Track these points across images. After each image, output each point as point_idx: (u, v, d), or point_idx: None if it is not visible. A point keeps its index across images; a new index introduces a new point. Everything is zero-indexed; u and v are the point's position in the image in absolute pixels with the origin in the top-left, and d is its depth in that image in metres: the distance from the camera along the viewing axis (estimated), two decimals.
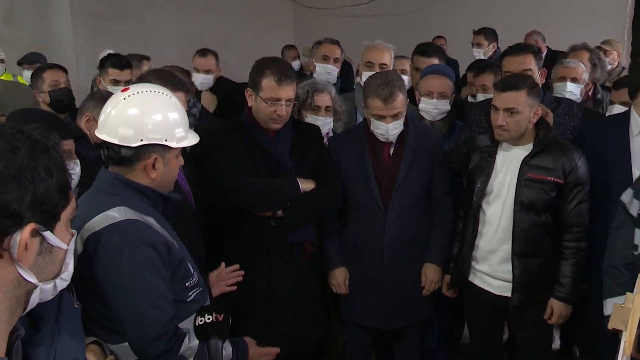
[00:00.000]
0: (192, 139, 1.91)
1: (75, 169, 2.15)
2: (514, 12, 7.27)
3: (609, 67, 4.79)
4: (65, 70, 3.88)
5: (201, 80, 4.53)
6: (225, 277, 2.28)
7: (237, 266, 2.32)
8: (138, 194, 1.83)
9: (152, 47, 6.82)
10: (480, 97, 3.66)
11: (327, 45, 4.07)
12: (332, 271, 2.94)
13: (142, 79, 2.54)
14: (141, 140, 1.78)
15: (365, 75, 3.66)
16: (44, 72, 3.75)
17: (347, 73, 4.94)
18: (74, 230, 1.14)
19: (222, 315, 1.65)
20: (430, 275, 2.91)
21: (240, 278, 2.31)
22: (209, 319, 1.63)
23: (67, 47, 6.71)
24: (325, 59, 4.00)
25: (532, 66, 2.99)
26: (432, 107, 3.22)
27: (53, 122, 2.18)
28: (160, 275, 1.76)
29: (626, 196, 2.31)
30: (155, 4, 7.44)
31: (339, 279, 2.93)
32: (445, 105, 3.22)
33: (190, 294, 1.87)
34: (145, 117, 1.80)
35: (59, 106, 3.64)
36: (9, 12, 7.13)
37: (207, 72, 4.58)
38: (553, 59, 3.82)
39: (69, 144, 2.13)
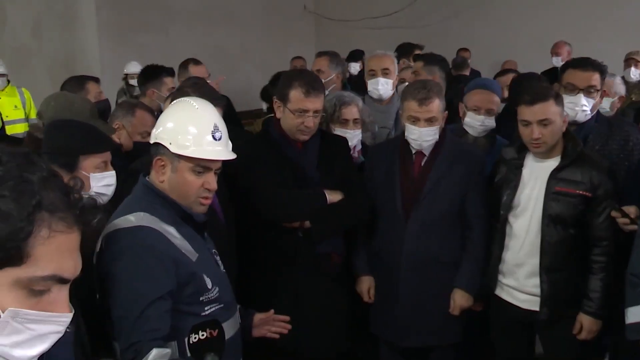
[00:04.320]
0: (199, 152, 1.87)
1: (111, 181, 2.18)
2: (536, 24, 7.27)
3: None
4: (99, 82, 3.97)
5: None
6: (272, 323, 2.23)
7: (286, 317, 2.25)
8: (162, 202, 1.89)
9: (175, 58, 6.91)
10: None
11: (315, 60, 4.05)
12: (358, 278, 2.95)
13: (180, 91, 2.58)
14: (155, 139, 1.93)
15: (370, 84, 3.70)
16: (87, 84, 3.81)
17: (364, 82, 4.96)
18: None
19: (217, 331, 1.66)
20: (459, 300, 2.83)
21: (286, 331, 2.24)
22: (203, 335, 1.64)
23: (92, 59, 6.83)
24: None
25: (597, 85, 2.91)
26: (479, 124, 3.17)
27: (92, 133, 2.21)
28: (158, 285, 1.76)
29: None
30: (178, 16, 7.55)
31: (363, 287, 2.93)
32: (491, 122, 3.17)
33: (206, 309, 1.88)
34: (163, 121, 1.96)
35: (103, 118, 3.72)
36: (37, 26, 7.27)
37: None
38: None
39: (106, 156, 2.16)
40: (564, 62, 5.80)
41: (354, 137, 3.12)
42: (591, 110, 2.93)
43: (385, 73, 3.72)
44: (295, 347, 2.64)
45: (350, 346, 2.98)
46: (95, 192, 2.11)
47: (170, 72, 4.06)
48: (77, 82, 3.80)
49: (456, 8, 7.86)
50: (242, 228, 2.72)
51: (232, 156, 1.98)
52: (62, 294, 0.96)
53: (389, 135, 3.65)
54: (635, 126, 3.25)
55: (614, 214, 2.52)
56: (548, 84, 2.81)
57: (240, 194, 2.67)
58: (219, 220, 2.54)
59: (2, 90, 5.91)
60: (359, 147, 3.22)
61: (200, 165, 1.89)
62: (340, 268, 2.84)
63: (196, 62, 4.46)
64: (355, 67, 5.78)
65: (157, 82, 3.94)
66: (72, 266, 0.96)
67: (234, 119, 4.30)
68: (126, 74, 6.40)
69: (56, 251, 0.93)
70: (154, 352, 1.69)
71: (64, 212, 0.94)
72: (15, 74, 6.38)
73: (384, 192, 2.86)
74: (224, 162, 1.99)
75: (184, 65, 4.45)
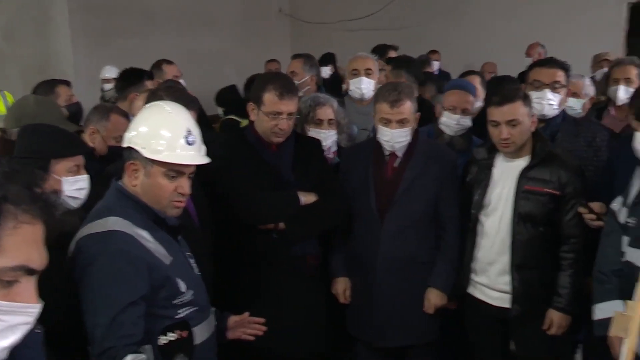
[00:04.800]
0: (172, 157, 1.88)
1: (84, 185, 2.17)
2: (510, 26, 7.38)
3: None
4: (70, 85, 3.95)
5: None
6: (247, 325, 2.24)
7: (261, 319, 2.26)
8: (135, 206, 1.89)
9: (151, 62, 6.87)
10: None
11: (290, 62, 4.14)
12: (334, 280, 2.97)
13: (154, 94, 2.58)
14: (128, 143, 1.93)
15: (353, 83, 3.74)
16: (57, 87, 3.79)
17: (337, 85, 5.00)
18: None
19: (186, 332, 1.68)
20: (433, 300, 2.87)
21: (261, 333, 2.25)
22: (172, 337, 1.67)
23: (66, 64, 6.75)
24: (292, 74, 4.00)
25: (562, 80, 3.05)
26: (455, 123, 3.21)
27: (65, 137, 2.21)
28: (131, 290, 1.77)
29: (616, 204, 2.38)
30: (154, 20, 7.51)
31: (339, 288, 2.96)
32: (467, 122, 3.23)
33: (180, 312, 1.88)
34: (136, 125, 1.95)
35: (74, 121, 3.70)
36: (9, 29, 7.17)
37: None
38: None
39: (78, 160, 2.15)
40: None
41: (328, 137, 3.15)
42: (558, 105, 3.03)
43: (368, 73, 3.78)
44: (272, 348, 2.65)
45: (328, 347, 2.99)
46: (68, 196, 2.11)
47: (150, 75, 4.04)
48: (47, 86, 3.78)
49: (432, 11, 7.94)
50: (218, 231, 2.73)
51: (206, 160, 1.99)
52: (30, 285, 1.01)
53: (369, 137, 3.68)
54: (600, 124, 3.34)
55: (580, 210, 2.58)
56: (517, 86, 2.87)
57: (216, 196, 2.68)
58: (193, 224, 2.54)
59: None
60: (334, 148, 3.24)
61: (174, 170, 1.89)
62: (316, 270, 2.86)
63: (168, 62, 4.46)
64: (326, 71, 5.80)
65: (139, 86, 3.93)
66: (38, 257, 1.01)
67: (204, 121, 4.30)
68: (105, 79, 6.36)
69: (23, 242, 0.97)
70: (129, 357, 1.69)
71: (28, 205, 0.98)
72: None
73: (359, 193, 2.89)
74: (199, 165, 2.01)
75: (157, 65, 4.44)
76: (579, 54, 5.90)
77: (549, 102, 2.96)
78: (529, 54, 6.47)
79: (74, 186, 2.13)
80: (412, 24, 7.86)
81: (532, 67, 3.23)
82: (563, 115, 3.11)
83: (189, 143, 1.91)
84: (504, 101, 2.60)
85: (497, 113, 2.62)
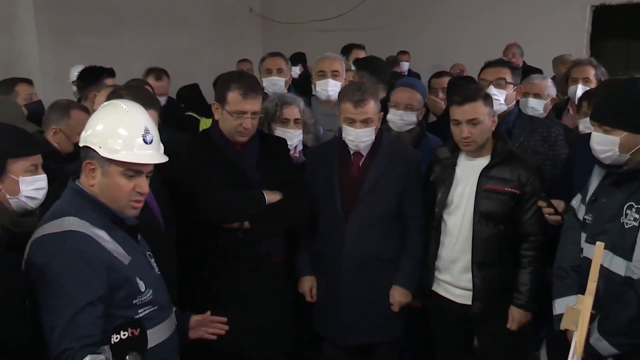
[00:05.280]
0: (130, 156, 1.87)
1: (42, 185, 2.14)
2: (477, 28, 7.47)
3: None
4: (32, 84, 3.87)
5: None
6: (209, 324, 2.24)
7: (223, 319, 2.27)
8: (92, 206, 1.88)
9: (120, 61, 6.78)
10: None
11: (269, 59, 4.18)
12: (300, 279, 2.99)
13: (115, 93, 2.55)
14: (85, 142, 1.91)
15: (319, 85, 3.77)
16: (16, 86, 3.73)
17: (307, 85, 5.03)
18: None
19: (138, 330, 1.68)
20: (398, 297, 2.90)
21: (223, 332, 2.26)
22: (124, 335, 1.66)
23: (32, 62, 6.63)
24: (269, 71, 4.09)
25: (507, 77, 3.17)
26: (398, 118, 3.28)
27: (22, 136, 2.17)
28: (88, 290, 1.76)
29: (575, 201, 2.44)
30: (122, 18, 7.42)
31: (305, 287, 2.98)
32: (411, 117, 3.28)
33: (140, 311, 1.88)
34: (92, 123, 1.94)
35: (36, 119, 3.64)
36: None
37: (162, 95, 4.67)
38: (526, 75, 3.95)
39: (36, 159, 2.13)
40: None
41: (294, 136, 3.16)
42: (506, 101, 3.14)
43: (335, 75, 3.79)
44: (238, 348, 2.66)
45: (295, 346, 3.00)
46: (26, 196, 2.09)
47: (111, 72, 3.99)
48: (6, 85, 3.72)
49: (402, 12, 7.99)
50: (183, 230, 2.72)
51: (164, 159, 1.98)
52: None
53: (334, 137, 3.71)
54: (555, 120, 3.43)
55: (540, 203, 2.64)
56: (479, 86, 2.94)
57: (180, 195, 2.68)
58: (157, 223, 2.53)
59: None
60: (300, 147, 3.26)
61: (132, 169, 1.88)
62: (281, 268, 2.87)
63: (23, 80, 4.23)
64: (295, 71, 5.82)
65: (98, 85, 3.88)
66: None
67: (205, 108, 4.30)
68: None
69: None
70: (87, 358, 1.69)
71: None
72: None
73: (324, 192, 2.91)
74: (159, 164, 2.00)
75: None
76: (544, 55, 6.03)
77: (494, 97, 3.01)
78: (505, 54, 6.52)
79: (32, 186, 2.10)
80: (382, 24, 7.90)
81: (482, 69, 3.34)
82: (518, 112, 3.21)
83: (146, 142, 1.90)
84: (465, 100, 2.65)
85: (458, 112, 2.67)
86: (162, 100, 4.64)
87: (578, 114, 3.19)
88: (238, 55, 7.46)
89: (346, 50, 5.26)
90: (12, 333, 1.71)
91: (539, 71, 4.85)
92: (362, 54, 5.13)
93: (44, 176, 2.14)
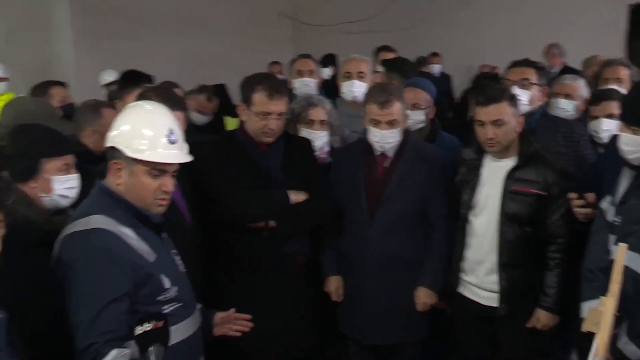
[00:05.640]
0: (155, 156, 1.91)
1: (74, 184, 2.20)
2: (507, 28, 7.39)
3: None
4: (66, 86, 3.98)
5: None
6: (233, 321, 2.27)
7: (248, 316, 2.30)
8: (119, 204, 1.93)
9: (151, 65, 6.88)
10: None
11: (299, 61, 4.23)
12: (326, 279, 3.01)
13: (143, 94, 2.61)
14: (111, 142, 1.96)
15: (345, 86, 3.78)
16: (50, 89, 3.83)
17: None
18: None
19: (162, 322, 1.71)
20: (423, 298, 2.90)
21: (247, 329, 2.29)
22: (148, 327, 1.69)
23: (68, 65, 6.82)
24: (299, 73, 4.13)
25: (532, 78, 3.12)
26: None
27: (54, 137, 2.24)
28: (113, 287, 1.80)
29: (605, 203, 2.40)
30: (154, 22, 7.57)
31: (332, 286, 2.99)
32: (418, 116, 3.27)
33: (164, 308, 1.92)
34: (118, 124, 1.98)
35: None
36: (11, 31, 7.24)
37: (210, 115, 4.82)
38: None
39: (68, 159, 2.19)
40: (549, 64, 5.96)
41: (319, 137, 3.18)
42: (529, 102, 3.09)
43: (361, 76, 3.80)
44: (260, 346, 2.68)
45: (318, 345, 3.02)
46: (59, 195, 2.15)
47: (148, 79, 4.08)
48: (41, 88, 3.82)
49: (431, 12, 7.97)
50: (208, 229, 2.76)
51: (188, 159, 2.02)
52: None
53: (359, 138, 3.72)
54: (578, 120, 3.37)
55: (571, 195, 2.58)
56: (503, 87, 2.91)
57: (205, 195, 2.72)
58: (184, 221, 2.57)
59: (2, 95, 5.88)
60: (327, 148, 3.27)
61: (156, 169, 1.92)
62: (305, 268, 2.88)
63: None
64: (327, 72, 5.84)
65: (136, 89, 3.98)
66: None
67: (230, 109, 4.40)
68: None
69: None
70: (114, 352, 1.73)
71: None
72: None
73: (349, 193, 2.92)
74: (189, 164, 2.05)
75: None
76: (579, 55, 5.92)
77: (517, 97, 2.95)
78: (544, 54, 6.43)
79: (65, 185, 2.16)
80: (411, 25, 7.89)
81: (507, 68, 3.32)
82: (542, 112, 3.16)
83: (171, 142, 1.94)
84: (489, 101, 2.63)
85: (483, 113, 2.65)
86: (206, 119, 4.73)
87: None
88: (268, 58, 7.53)
89: (377, 53, 5.27)
90: (38, 325, 1.77)
91: (580, 72, 4.75)
92: (390, 56, 5.12)
93: (75, 175, 2.20)
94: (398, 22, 7.98)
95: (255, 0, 8.73)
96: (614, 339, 2.16)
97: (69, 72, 6.67)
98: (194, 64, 7.41)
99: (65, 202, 2.19)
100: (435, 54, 7.61)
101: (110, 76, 6.37)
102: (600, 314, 1.59)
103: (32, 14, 7.05)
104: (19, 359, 1.39)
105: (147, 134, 1.92)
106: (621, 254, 1.70)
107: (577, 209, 2.59)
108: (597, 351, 1.54)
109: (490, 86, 3.07)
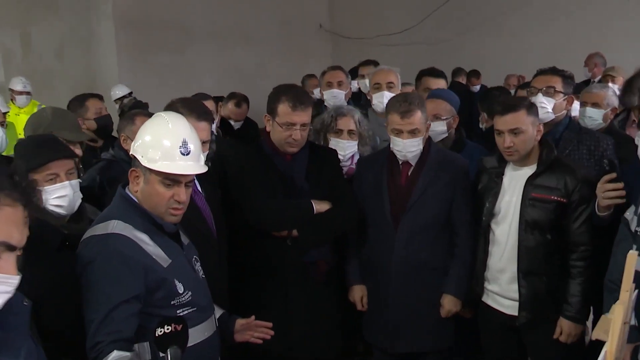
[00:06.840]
0: (167, 166, 1.96)
1: (63, 192, 2.16)
2: (546, 38, 7.30)
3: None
4: (102, 99, 4.15)
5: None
6: (254, 328, 2.30)
7: (269, 324, 2.32)
8: (136, 211, 2.01)
9: (192, 78, 7.12)
10: None
11: (329, 73, 4.31)
12: (351, 287, 3.04)
13: (171, 105, 2.67)
14: (133, 151, 2.05)
15: (375, 97, 3.82)
16: (87, 101, 3.98)
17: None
18: None
19: (181, 326, 1.78)
20: (448, 305, 2.91)
21: (269, 337, 2.32)
22: (168, 329, 1.76)
23: (112, 79, 7.07)
24: (330, 84, 4.20)
25: (557, 86, 3.09)
26: None
27: (35, 148, 2.19)
28: (124, 289, 1.87)
29: (629, 213, 2.35)
30: (195, 36, 7.77)
31: (356, 295, 3.02)
32: (439, 127, 3.28)
33: (178, 312, 1.98)
34: (140, 134, 2.07)
35: (106, 132, 3.94)
36: (60, 48, 7.57)
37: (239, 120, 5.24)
38: None
39: (56, 168, 2.14)
40: (591, 74, 5.85)
41: (347, 147, 3.22)
42: (554, 110, 3.05)
43: (390, 87, 3.85)
44: (283, 354, 2.73)
45: (339, 353, 3.04)
46: (51, 205, 2.12)
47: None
48: (78, 100, 3.98)
49: (467, 24, 7.94)
50: (233, 237, 2.83)
51: (202, 170, 2.08)
52: (10, 259, 1.20)
53: None
54: (603, 133, 3.30)
55: (605, 178, 2.49)
56: (522, 96, 2.89)
57: (231, 203, 2.79)
58: (210, 231, 2.62)
59: (25, 108, 6.18)
60: (356, 157, 3.31)
61: (169, 179, 1.99)
62: (328, 276, 2.92)
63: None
64: (354, 84, 5.89)
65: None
66: (18, 235, 1.20)
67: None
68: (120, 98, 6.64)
69: (5, 221, 1.17)
70: (114, 354, 1.79)
71: (9, 190, 1.19)
72: (40, 95, 6.66)
73: (373, 201, 2.96)
74: (220, 172, 2.10)
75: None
76: (622, 65, 5.79)
77: (541, 105, 2.97)
78: (586, 64, 6.33)
79: (53, 195, 2.11)
80: (448, 38, 7.88)
81: (534, 76, 3.28)
82: (567, 123, 3.12)
83: (183, 153, 1.99)
84: (507, 110, 2.63)
85: (501, 122, 2.66)
86: (238, 125, 4.92)
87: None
88: (307, 70, 7.64)
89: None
90: (57, 321, 1.86)
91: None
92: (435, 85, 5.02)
93: (65, 184, 2.15)
94: (436, 34, 7.98)
95: (295, 13, 8.87)
96: (635, 350, 2.12)
97: (112, 86, 6.92)
98: (235, 77, 7.57)
99: (61, 211, 2.15)
100: (475, 72, 7.54)
101: (121, 91, 6.59)
102: (610, 322, 1.57)
103: (79, 30, 7.36)
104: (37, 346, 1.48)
105: (163, 144, 1.99)
106: (631, 261, 1.68)
107: (605, 193, 2.49)
108: (606, 359, 1.52)
109: (497, 96, 3.01)
